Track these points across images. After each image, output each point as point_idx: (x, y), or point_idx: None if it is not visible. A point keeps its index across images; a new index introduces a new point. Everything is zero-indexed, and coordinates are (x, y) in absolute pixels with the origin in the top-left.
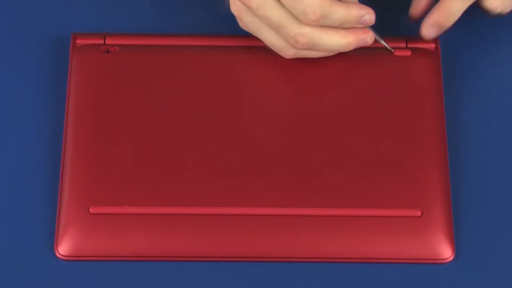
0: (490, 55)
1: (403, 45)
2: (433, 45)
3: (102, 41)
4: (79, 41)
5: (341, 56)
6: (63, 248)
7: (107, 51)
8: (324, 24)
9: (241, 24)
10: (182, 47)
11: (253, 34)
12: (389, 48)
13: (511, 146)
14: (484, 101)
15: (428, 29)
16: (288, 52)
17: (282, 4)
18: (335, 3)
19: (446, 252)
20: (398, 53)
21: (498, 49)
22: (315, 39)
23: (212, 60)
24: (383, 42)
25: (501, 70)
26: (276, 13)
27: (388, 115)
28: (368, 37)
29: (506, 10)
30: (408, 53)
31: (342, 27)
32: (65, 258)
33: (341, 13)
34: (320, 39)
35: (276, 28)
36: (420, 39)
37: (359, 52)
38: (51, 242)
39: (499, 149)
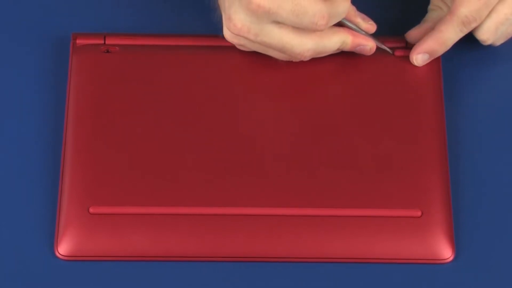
0: (490, 55)
1: (403, 45)
2: None
3: (102, 41)
4: (79, 41)
5: (341, 56)
6: (63, 248)
7: (107, 51)
8: (333, 23)
9: (243, 49)
10: (182, 47)
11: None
12: (389, 51)
13: (511, 146)
14: (484, 101)
15: (419, 55)
16: (296, 61)
17: (280, 26)
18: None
19: (446, 252)
20: (398, 53)
21: (499, 49)
22: (319, 48)
23: (212, 60)
24: (383, 47)
25: (501, 70)
26: (276, 38)
27: (388, 115)
28: (367, 46)
29: (496, 42)
30: (408, 53)
31: (347, 17)
32: (65, 258)
33: (343, 4)
34: (324, 46)
35: (280, 50)
36: None
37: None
38: (51, 242)
39: (499, 149)
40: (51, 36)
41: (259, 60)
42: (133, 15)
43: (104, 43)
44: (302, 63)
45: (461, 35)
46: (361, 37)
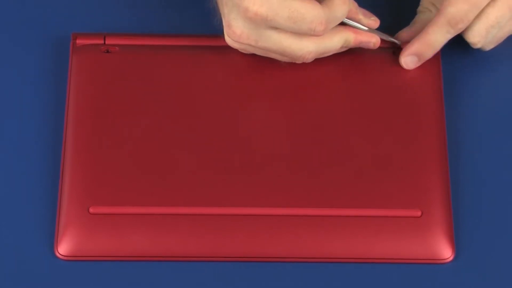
0: (490, 55)
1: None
2: None
3: (102, 41)
4: (79, 41)
5: (341, 57)
6: (63, 248)
7: (107, 51)
8: (332, 27)
9: (245, 52)
10: (182, 47)
11: None
12: (397, 42)
13: (511, 146)
14: (484, 101)
15: (408, 58)
16: (299, 62)
17: (279, 31)
18: (330, 3)
19: (446, 252)
20: (398, 53)
21: (498, 50)
22: (320, 49)
23: (212, 61)
24: (390, 39)
25: (501, 70)
26: (276, 43)
27: (388, 115)
28: (371, 43)
29: (486, 47)
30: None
31: (348, 15)
32: (65, 258)
33: (341, 8)
34: (325, 47)
35: (282, 54)
36: None
37: (359, 52)
38: (51, 242)
39: (499, 149)
40: (51, 36)
41: (259, 60)
42: (133, 15)
43: (104, 43)
44: (301, 63)
45: (448, 36)
46: (364, 34)
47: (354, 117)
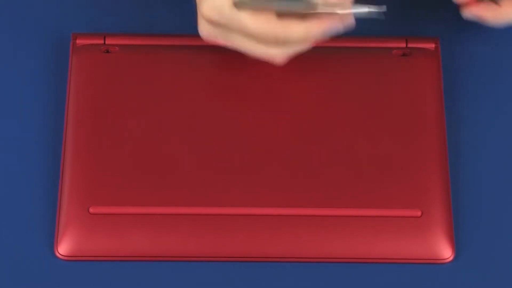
0: (490, 55)
1: (403, 45)
2: (433, 45)
3: (102, 41)
4: (79, 41)
5: (340, 56)
6: (63, 248)
7: (107, 51)
8: (286, 45)
9: None
10: (182, 47)
11: None
12: (379, 10)
13: (511, 146)
14: (484, 101)
15: (471, 15)
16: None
17: (240, 34)
18: (287, 26)
19: (446, 252)
20: (398, 53)
21: (498, 49)
22: (289, 51)
23: (212, 60)
24: (371, 9)
25: (501, 69)
26: (241, 46)
27: (388, 115)
28: (339, 25)
29: None
30: (408, 52)
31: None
32: (65, 258)
33: (298, 33)
34: (294, 50)
35: (250, 54)
36: (420, 39)
37: (359, 52)
38: (51, 242)
39: (499, 149)
40: (51, 36)
41: (259, 61)
42: (133, 15)
43: (104, 43)
44: (301, 63)
45: None
46: (325, 21)
47: (354, 117)
